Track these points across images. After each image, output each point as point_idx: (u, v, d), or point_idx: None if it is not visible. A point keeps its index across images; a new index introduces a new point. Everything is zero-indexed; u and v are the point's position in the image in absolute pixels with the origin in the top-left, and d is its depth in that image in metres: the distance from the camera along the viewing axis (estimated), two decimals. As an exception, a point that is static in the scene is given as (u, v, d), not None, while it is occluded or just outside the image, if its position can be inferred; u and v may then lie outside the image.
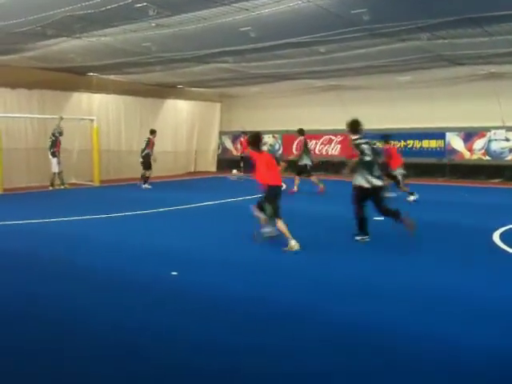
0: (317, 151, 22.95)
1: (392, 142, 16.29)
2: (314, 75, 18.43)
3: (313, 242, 8.60)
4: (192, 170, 24.27)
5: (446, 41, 12.55)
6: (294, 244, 7.94)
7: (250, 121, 23.70)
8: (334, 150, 22.90)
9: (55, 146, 16.86)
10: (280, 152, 24.42)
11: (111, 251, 8.20)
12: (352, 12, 9.99)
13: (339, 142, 22.49)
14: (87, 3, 9.49)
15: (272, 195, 8.25)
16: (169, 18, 10.67)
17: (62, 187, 17.02)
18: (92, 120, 18.37)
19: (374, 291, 5.97)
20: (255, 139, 8.53)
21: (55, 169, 16.91)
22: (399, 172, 13.54)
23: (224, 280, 6.50)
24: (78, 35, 12.21)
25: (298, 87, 21.49)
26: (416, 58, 14.85)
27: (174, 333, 4.76)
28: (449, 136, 20.22)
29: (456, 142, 20.15)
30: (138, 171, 17.69)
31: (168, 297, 5.85)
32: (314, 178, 15.38)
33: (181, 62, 15.94)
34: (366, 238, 8.54)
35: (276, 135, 24.55)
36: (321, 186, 15.12)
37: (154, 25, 11.20)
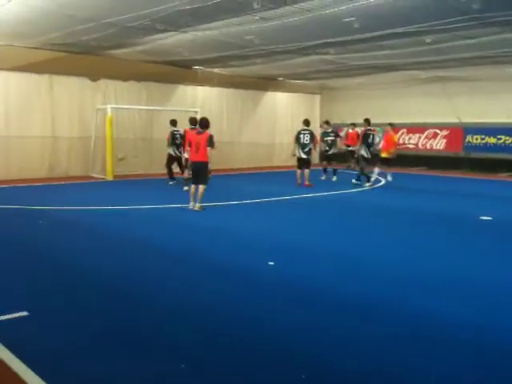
0: (420, 145, 22.23)
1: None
2: (418, 66, 17.84)
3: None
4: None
5: None
6: None
7: (349, 113, 23.40)
8: (438, 144, 21.74)
9: None
10: (380, 146, 23.91)
11: (216, 239, 8.49)
12: (462, 0, 9.60)
13: (444, 137, 21.39)
14: (195, -2, 9.83)
15: None
16: (273, 11, 10.80)
17: None
18: (196, 112, 18.94)
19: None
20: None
21: None
22: None
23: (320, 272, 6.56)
24: (184, 29, 12.68)
25: (400, 79, 20.85)
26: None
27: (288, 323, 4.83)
28: None
29: None
30: (242, 161, 17.73)
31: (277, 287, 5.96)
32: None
33: (282, 54, 16.05)
34: None
35: (377, 128, 24.04)
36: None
37: (257, 17, 11.36)
